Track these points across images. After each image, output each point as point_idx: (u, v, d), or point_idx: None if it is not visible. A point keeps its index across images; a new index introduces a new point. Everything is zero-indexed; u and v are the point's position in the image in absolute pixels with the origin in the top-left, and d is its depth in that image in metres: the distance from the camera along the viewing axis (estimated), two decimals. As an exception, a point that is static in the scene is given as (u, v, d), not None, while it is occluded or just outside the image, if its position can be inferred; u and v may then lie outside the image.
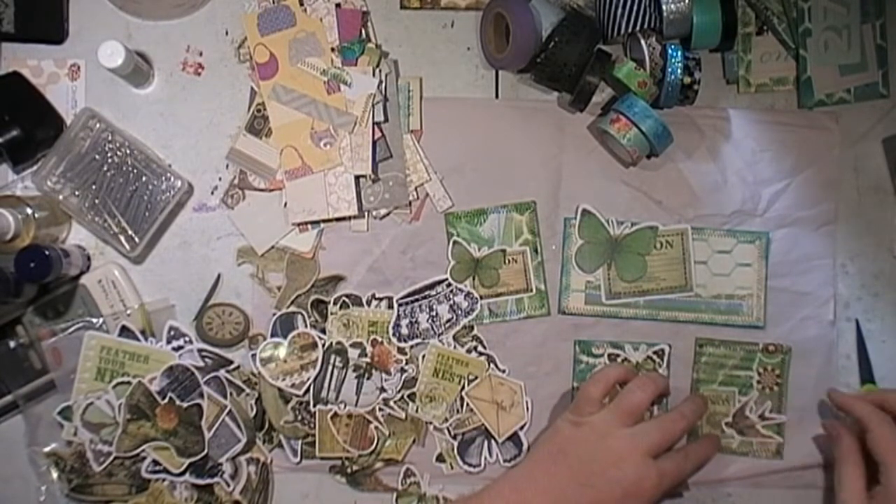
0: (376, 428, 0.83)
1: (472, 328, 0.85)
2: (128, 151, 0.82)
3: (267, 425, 0.83)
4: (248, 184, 0.85)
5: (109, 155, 0.82)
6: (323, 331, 0.83)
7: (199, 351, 0.82)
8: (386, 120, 0.84)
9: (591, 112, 0.86)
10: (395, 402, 0.83)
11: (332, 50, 0.83)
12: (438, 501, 0.84)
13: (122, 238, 0.82)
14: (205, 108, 0.86)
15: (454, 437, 0.84)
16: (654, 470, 0.72)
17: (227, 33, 0.86)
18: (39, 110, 0.83)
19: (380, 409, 0.83)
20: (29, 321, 0.83)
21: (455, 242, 0.85)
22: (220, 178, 0.86)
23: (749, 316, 0.85)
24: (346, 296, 0.84)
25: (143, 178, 0.82)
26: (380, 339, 0.83)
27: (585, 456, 0.73)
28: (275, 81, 0.83)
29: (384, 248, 0.85)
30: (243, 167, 0.85)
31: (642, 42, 0.81)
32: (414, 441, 0.84)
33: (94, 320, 0.82)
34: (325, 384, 0.83)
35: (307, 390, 0.82)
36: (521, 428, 0.84)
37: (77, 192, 0.81)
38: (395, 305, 0.84)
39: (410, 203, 0.85)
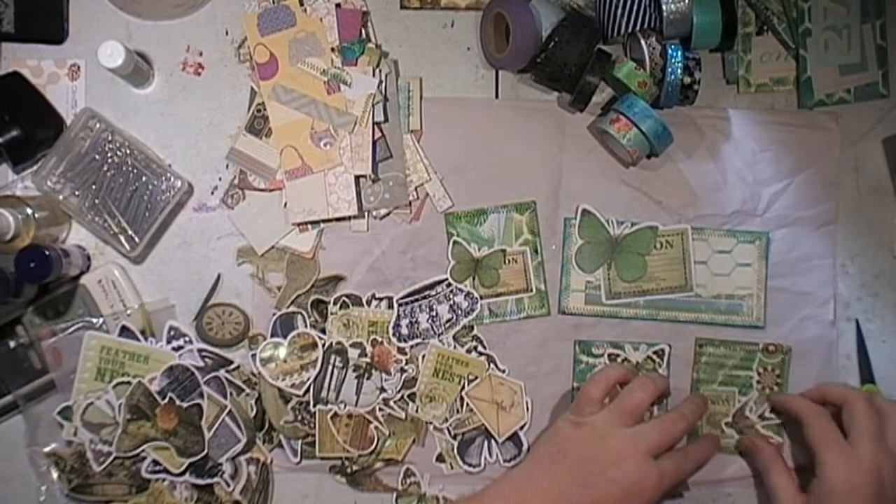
0: (376, 428, 0.83)
1: (472, 328, 0.85)
2: (128, 151, 0.82)
3: (267, 425, 0.83)
4: (248, 184, 0.85)
5: (109, 155, 0.82)
6: (323, 331, 0.83)
7: (199, 351, 0.82)
8: (386, 120, 0.84)
9: (591, 112, 0.86)
10: (395, 402, 0.83)
11: (332, 50, 0.83)
12: (438, 501, 0.84)
13: (122, 238, 0.82)
14: (205, 108, 0.86)
15: (454, 437, 0.84)
16: (654, 470, 0.72)
17: (227, 33, 0.86)
18: (39, 110, 0.83)
19: (380, 409, 0.83)
20: (29, 321, 0.83)
21: (455, 242, 0.85)
22: (220, 178, 0.86)
23: (749, 316, 0.85)
24: (346, 296, 0.84)
25: (143, 178, 0.82)
26: (380, 339, 0.83)
27: (586, 456, 0.73)
28: (275, 81, 0.83)
29: (384, 248, 0.85)
30: (243, 167, 0.85)
31: (642, 42, 0.81)
32: (414, 441, 0.84)
33: (94, 320, 0.82)
34: (325, 384, 0.83)
35: (307, 390, 0.82)
36: (521, 428, 0.84)
37: (77, 192, 0.81)
38: (395, 305, 0.84)
39: (410, 203, 0.85)
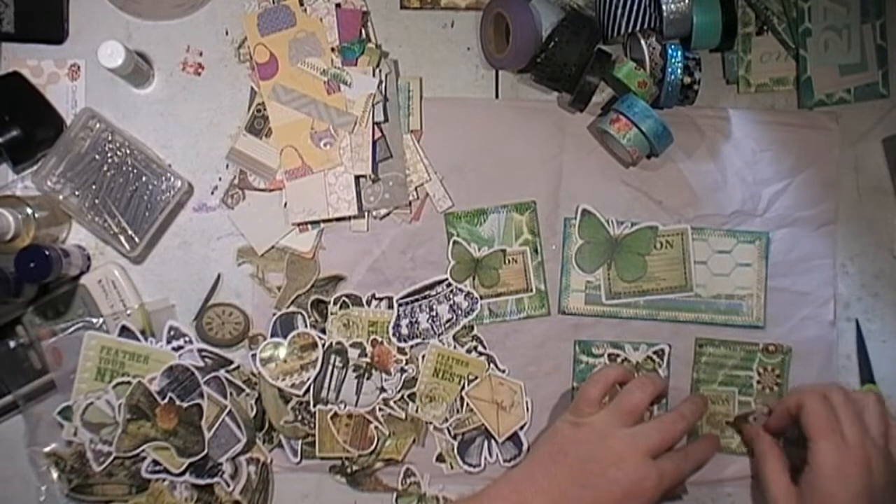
0: (376, 428, 0.83)
1: (472, 328, 0.85)
2: (128, 151, 0.82)
3: (267, 425, 0.83)
4: (248, 184, 0.85)
5: (109, 155, 0.82)
6: (323, 331, 0.83)
7: (199, 351, 0.82)
8: (386, 120, 0.84)
9: (591, 112, 0.86)
10: (395, 402, 0.83)
11: (332, 50, 0.83)
12: (438, 501, 0.84)
13: (122, 238, 0.82)
14: (205, 108, 0.86)
15: (454, 437, 0.84)
16: (654, 470, 0.72)
17: (227, 33, 0.86)
18: (39, 110, 0.83)
19: (380, 409, 0.83)
20: (29, 321, 0.83)
21: (455, 242, 0.85)
22: (220, 178, 0.86)
23: (749, 316, 0.85)
24: (346, 296, 0.84)
25: (143, 178, 0.82)
26: (380, 339, 0.83)
27: (585, 456, 0.73)
28: (275, 81, 0.83)
29: (384, 248, 0.85)
30: (243, 167, 0.85)
31: (642, 42, 0.81)
32: (414, 441, 0.84)
33: (94, 320, 0.82)
34: (325, 384, 0.83)
35: (307, 390, 0.82)
36: (521, 428, 0.84)
37: (77, 192, 0.81)
38: (395, 305, 0.84)
39: (410, 203, 0.85)
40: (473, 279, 0.85)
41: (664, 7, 0.79)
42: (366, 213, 0.85)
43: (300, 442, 0.83)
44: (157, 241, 0.85)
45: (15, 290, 0.76)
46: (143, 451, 0.80)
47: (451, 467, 0.84)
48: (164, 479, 0.81)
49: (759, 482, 0.77)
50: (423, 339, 0.84)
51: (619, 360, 0.85)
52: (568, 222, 0.86)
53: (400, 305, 0.84)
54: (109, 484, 0.82)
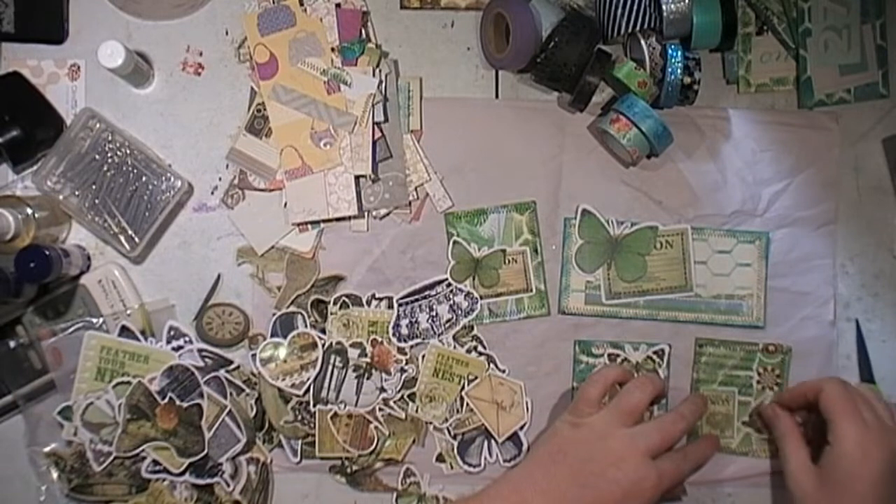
0: (376, 428, 0.83)
1: (472, 328, 0.85)
2: (128, 151, 0.82)
3: (267, 425, 0.83)
4: (248, 184, 0.85)
5: (109, 155, 0.82)
6: (323, 331, 0.83)
7: (199, 351, 0.82)
8: (386, 120, 0.84)
9: (591, 112, 0.86)
10: (395, 402, 0.83)
11: (332, 50, 0.83)
12: (438, 501, 0.84)
13: (122, 238, 0.82)
14: (205, 108, 0.86)
15: (454, 437, 0.84)
16: (653, 470, 0.72)
17: (227, 33, 0.86)
18: (39, 110, 0.83)
19: (380, 409, 0.83)
20: (29, 321, 0.83)
21: (455, 242, 0.85)
22: (220, 178, 0.86)
23: (749, 316, 0.85)
24: (346, 296, 0.84)
25: (143, 178, 0.82)
26: (380, 339, 0.83)
27: (585, 456, 0.73)
28: (275, 81, 0.83)
29: (384, 248, 0.85)
30: (243, 167, 0.85)
31: (642, 42, 0.81)
32: (414, 441, 0.84)
33: (94, 320, 0.82)
34: (325, 384, 0.83)
35: (307, 390, 0.82)
36: (521, 428, 0.84)
37: (77, 192, 0.81)
38: (395, 305, 0.84)
39: (410, 203, 0.85)
40: (473, 279, 0.85)
41: (664, 7, 0.79)
42: (366, 213, 0.85)
43: (300, 442, 0.83)
44: (157, 241, 0.85)
45: (15, 290, 0.76)
46: (143, 451, 0.80)
47: (451, 467, 0.84)
48: (164, 479, 0.81)
49: (780, 458, 0.77)
50: (423, 339, 0.84)
51: (618, 360, 0.85)
52: (568, 222, 0.86)
53: (400, 305, 0.84)
54: (109, 484, 0.82)
